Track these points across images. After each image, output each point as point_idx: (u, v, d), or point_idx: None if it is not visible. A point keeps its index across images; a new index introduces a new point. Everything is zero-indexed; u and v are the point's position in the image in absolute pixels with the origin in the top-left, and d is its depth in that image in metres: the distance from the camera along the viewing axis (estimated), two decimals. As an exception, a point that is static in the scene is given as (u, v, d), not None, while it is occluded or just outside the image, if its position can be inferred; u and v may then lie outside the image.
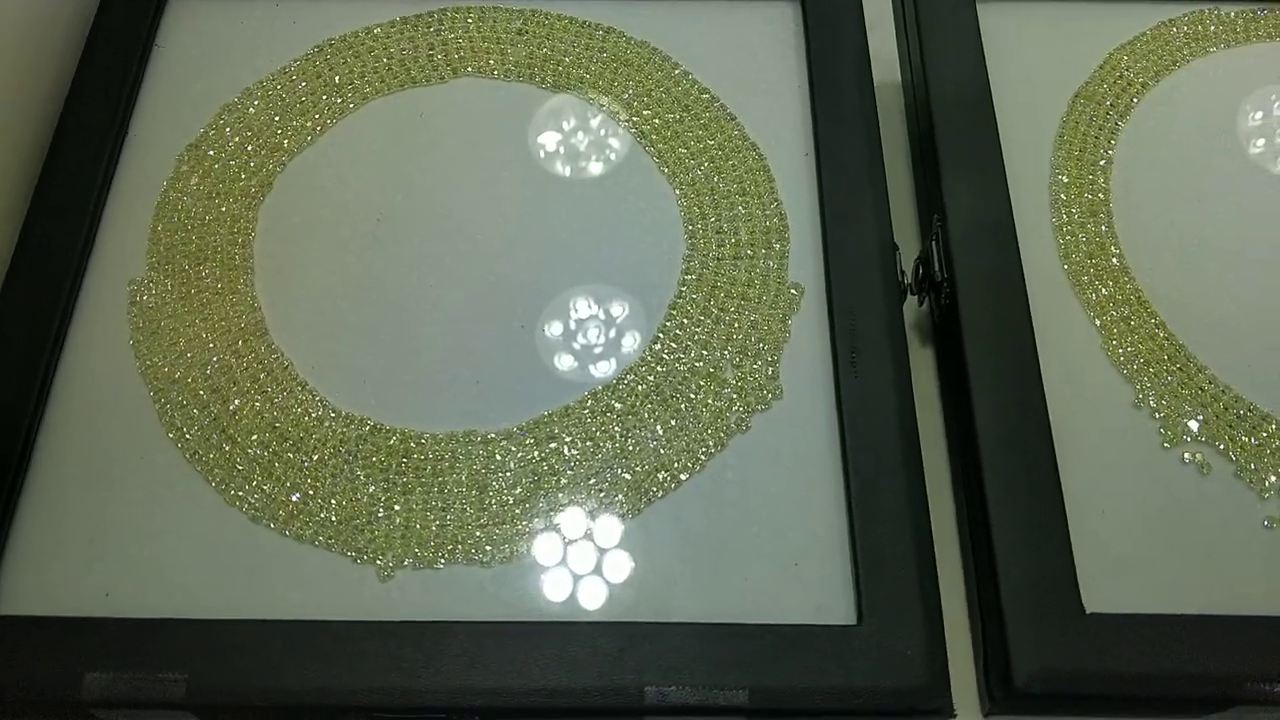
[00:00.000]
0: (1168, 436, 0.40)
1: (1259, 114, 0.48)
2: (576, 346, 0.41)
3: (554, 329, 0.41)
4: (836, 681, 0.34)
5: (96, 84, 0.46)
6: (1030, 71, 0.48)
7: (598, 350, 0.41)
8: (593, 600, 0.36)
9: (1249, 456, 0.40)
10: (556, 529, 0.37)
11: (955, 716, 0.35)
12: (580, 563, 0.37)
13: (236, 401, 0.39)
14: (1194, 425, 0.40)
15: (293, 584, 0.36)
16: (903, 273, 0.43)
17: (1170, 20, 0.50)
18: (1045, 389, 0.40)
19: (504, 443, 0.39)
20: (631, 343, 0.41)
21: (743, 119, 0.46)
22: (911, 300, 0.45)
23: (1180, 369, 0.41)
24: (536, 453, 0.38)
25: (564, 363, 0.41)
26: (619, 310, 0.42)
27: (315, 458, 0.38)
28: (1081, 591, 0.36)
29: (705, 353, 0.41)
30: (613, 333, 0.41)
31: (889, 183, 0.50)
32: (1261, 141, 0.47)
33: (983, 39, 0.47)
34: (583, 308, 0.42)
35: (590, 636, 0.35)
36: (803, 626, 0.35)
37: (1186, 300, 0.43)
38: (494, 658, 0.34)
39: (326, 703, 0.34)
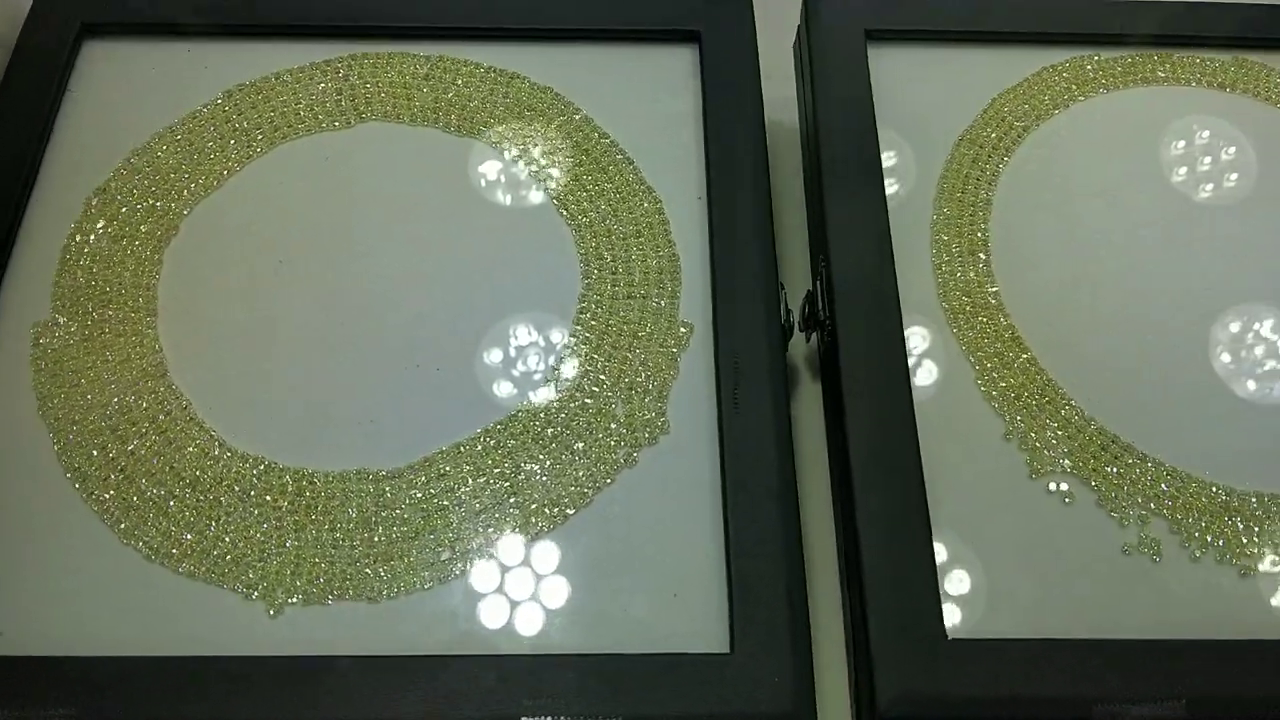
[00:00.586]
0: (1035, 468, 0.42)
1: (1133, 157, 0.50)
2: (469, 385, 0.42)
3: (448, 368, 0.43)
4: (708, 708, 0.36)
5: (7, 127, 0.47)
6: (918, 114, 0.50)
7: (490, 388, 0.42)
8: (478, 633, 0.38)
9: (1111, 487, 0.42)
10: (445, 565, 0.39)
11: (822, 741, 0.36)
12: (468, 598, 0.38)
13: (135, 442, 0.40)
14: (1060, 456, 0.42)
15: (185, 621, 0.37)
16: (789, 311, 0.45)
17: (1053, 66, 0.52)
18: (919, 422, 0.41)
19: (394, 480, 0.40)
20: (525, 381, 0.43)
21: (640, 162, 0.48)
22: (805, 337, 0.47)
23: (1049, 403, 0.43)
24: (427, 490, 0.40)
25: (456, 401, 0.42)
26: (513, 349, 0.43)
27: (210, 497, 0.39)
28: (946, 618, 0.38)
29: (597, 390, 0.43)
30: (507, 371, 0.43)
31: (791, 222, 0.52)
32: (1134, 183, 0.49)
33: (872, 83, 0.50)
34: (477, 347, 0.43)
35: (470, 669, 0.36)
36: (677, 655, 0.37)
37: (1058, 337, 0.45)
38: (375, 691, 0.35)
39: (213, 737, 0.35)
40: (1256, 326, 0.46)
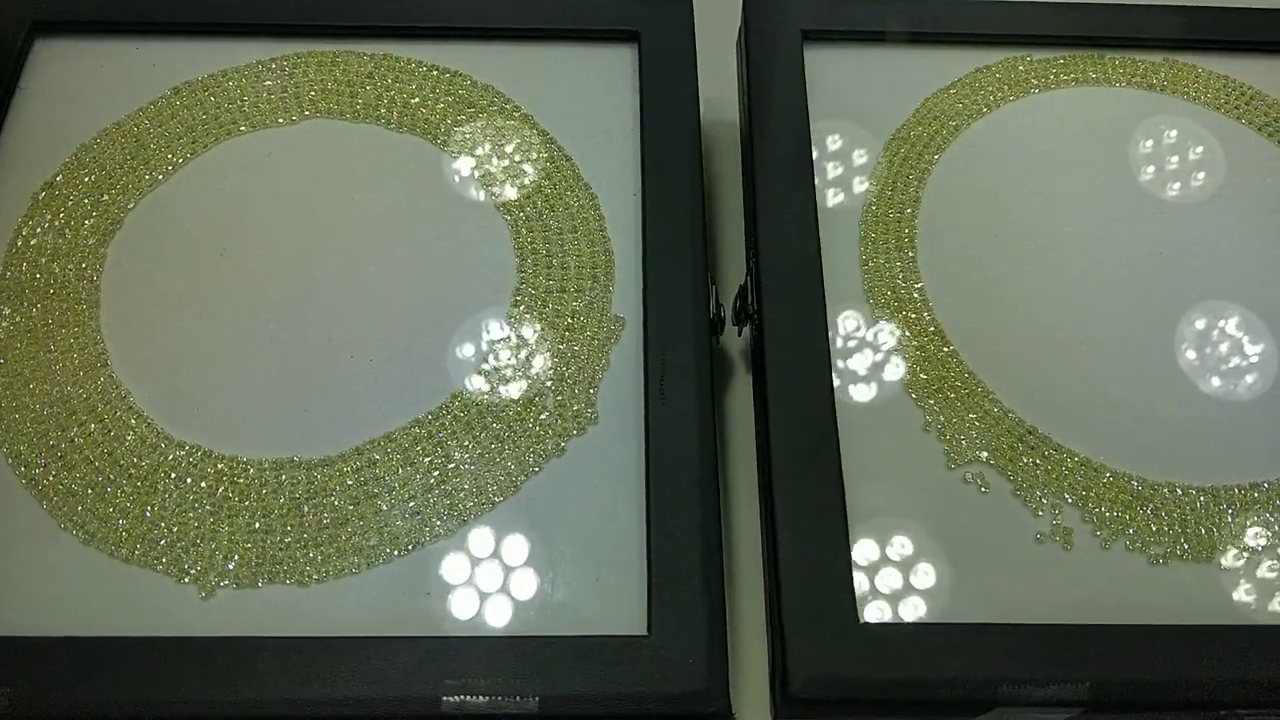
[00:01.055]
0: (952, 458, 0.43)
1: (1062, 156, 0.51)
2: (402, 375, 0.43)
3: (382, 359, 0.44)
4: (623, 688, 0.37)
5: (-40, 123, 0.48)
6: (851, 113, 0.51)
7: (423, 378, 0.43)
8: (404, 616, 0.39)
9: (1026, 477, 0.43)
10: (373, 550, 0.40)
11: (733, 720, 0.38)
12: (395, 582, 0.39)
13: (75, 430, 0.41)
14: (978, 448, 0.43)
15: (120, 604, 0.39)
16: (720, 305, 0.46)
17: (986, 67, 0.53)
18: (840, 412, 0.43)
19: (326, 468, 0.41)
20: (457, 371, 0.44)
21: (578, 159, 0.49)
22: (737, 331, 0.48)
23: (969, 394, 0.44)
24: (358, 478, 0.41)
25: (388, 391, 0.43)
26: (448, 340, 0.45)
27: (147, 483, 0.40)
28: (860, 603, 0.39)
29: (528, 381, 0.44)
30: (439, 361, 0.44)
31: (733, 218, 0.54)
32: (1061, 182, 0.50)
33: (807, 82, 0.51)
34: (412, 338, 0.44)
35: (394, 650, 0.37)
36: (595, 638, 0.38)
37: (980, 331, 0.46)
38: (302, 671, 0.36)
39: (143, 716, 0.36)
40: (1175, 322, 0.47)
